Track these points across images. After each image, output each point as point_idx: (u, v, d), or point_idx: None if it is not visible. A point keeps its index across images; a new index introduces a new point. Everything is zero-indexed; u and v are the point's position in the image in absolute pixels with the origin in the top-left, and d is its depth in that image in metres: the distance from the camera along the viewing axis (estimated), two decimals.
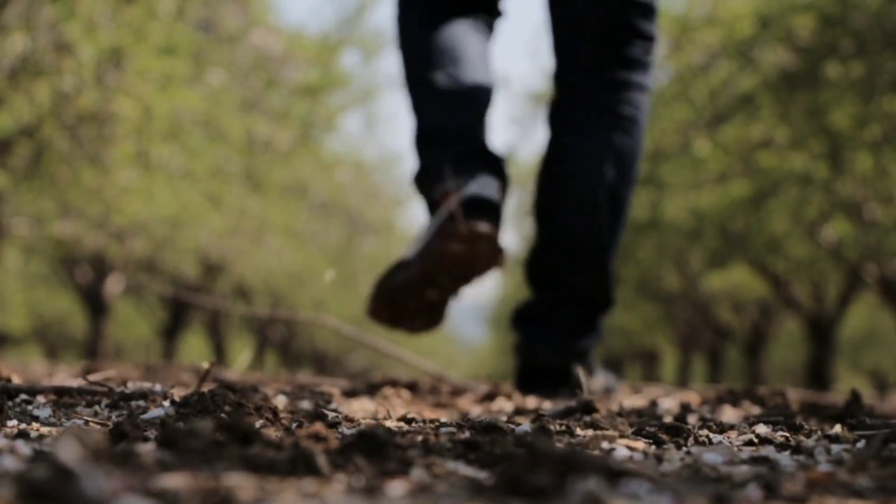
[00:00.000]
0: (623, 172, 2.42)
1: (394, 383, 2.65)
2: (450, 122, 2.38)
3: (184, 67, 6.57)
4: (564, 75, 2.48)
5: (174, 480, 0.87)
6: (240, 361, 3.77)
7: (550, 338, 2.44)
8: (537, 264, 2.50)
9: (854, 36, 6.34)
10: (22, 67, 5.76)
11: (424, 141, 2.42)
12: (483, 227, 2.23)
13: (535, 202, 2.55)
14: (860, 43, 6.36)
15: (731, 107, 7.68)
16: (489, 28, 2.54)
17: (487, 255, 2.26)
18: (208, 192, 9.09)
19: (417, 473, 0.99)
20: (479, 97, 2.39)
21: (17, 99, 5.92)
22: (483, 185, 2.30)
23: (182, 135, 7.07)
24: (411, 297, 2.33)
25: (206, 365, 1.71)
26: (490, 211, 2.28)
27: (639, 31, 2.42)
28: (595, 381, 2.47)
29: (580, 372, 2.26)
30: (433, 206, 2.36)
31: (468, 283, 2.33)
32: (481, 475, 1.01)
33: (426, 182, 2.39)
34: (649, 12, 2.42)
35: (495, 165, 2.37)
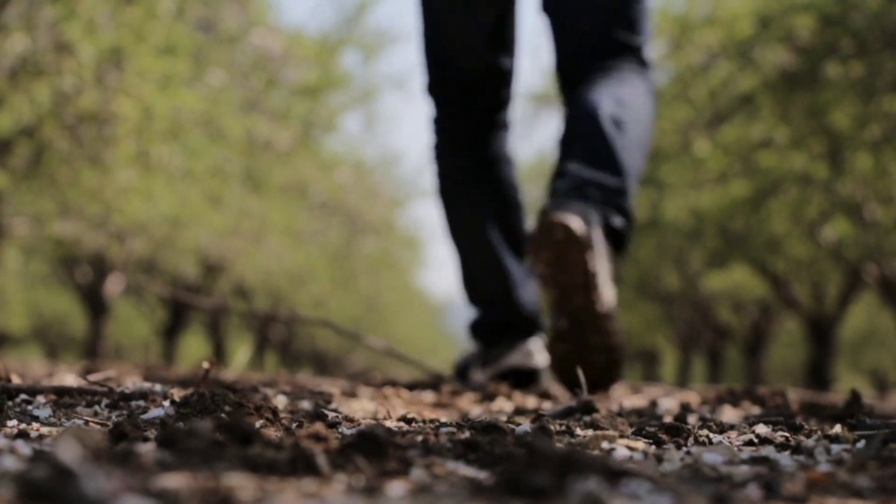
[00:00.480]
0: (625, 107, 2.54)
1: (394, 383, 2.65)
2: (496, 303, 2.91)
3: (184, 67, 6.57)
4: (565, 62, 2.73)
5: (174, 480, 0.87)
6: (238, 359, 3.77)
7: (574, 192, 2.44)
8: (558, 171, 2.58)
9: (854, 36, 6.34)
10: (22, 67, 5.76)
11: (475, 307, 2.97)
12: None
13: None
14: (860, 43, 6.36)
15: (731, 107, 7.68)
16: (506, 140, 2.95)
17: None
18: (208, 192, 9.08)
19: (417, 473, 0.99)
20: (515, 270, 2.87)
21: (17, 99, 5.91)
22: (526, 355, 2.80)
23: (182, 135, 7.07)
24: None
25: (206, 365, 1.70)
26: (531, 377, 2.78)
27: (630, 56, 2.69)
28: (608, 291, 2.40)
29: (594, 230, 2.31)
30: (487, 352, 2.89)
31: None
32: (481, 475, 1.01)
33: (479, 339, 2.95)
34: (641, 53, 2.70)
35: (534, 324, 2.88)
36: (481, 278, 2.96)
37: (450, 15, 2.80)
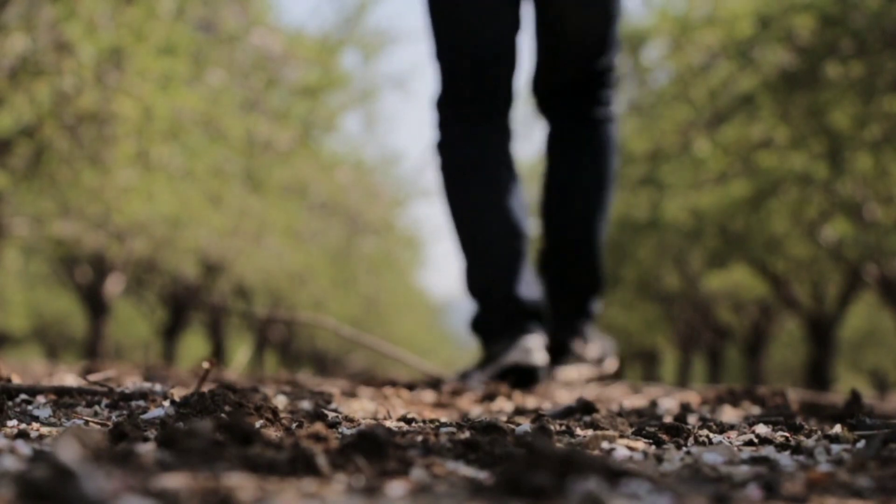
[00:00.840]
0: (604, 185, 3.07)
1: (394, 383, 2.65)
2: (501, 288, 2.91)
3: (184, 67, 6.57)
4: (554, 113, 3.13)
5: (174, 480, 0.87)
6: (238, 359, 3.77)
7: (557, 321, 3.06)
8: (544, 261, 3.14)
9: (854, 36, 6.34)
10: (22, 67, 5.75)
11: (478, 297, 3.00)
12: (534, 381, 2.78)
13: (540, 215, 3.17)
14: (860, 43, 6.35)
15: (731, 107, 7.68)
16: (509, 127, 3.07)
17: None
18: (208, 192, 9.08)
19: (417, 473, 0.99)
20: (522, 254, 2.94)
21: (17, 99, 5.91)
22: (525, 352, 2.79)
23: (182, 135, 7.07)
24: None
25: (206, 365, 1.70)
26: (530, 374, 2.80)
27: (608, 81, 3.06)
28: (590, 349, 3.04)
29: (578, 344, 3.00)
30: (487, 351, 2.93)
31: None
32: (481, 475, 1.01)
33: (480, 335, 2.99)
34: (613, 70, 3.08)
35: (537, 317, 2.92)
36: (485, 265, 2.97)
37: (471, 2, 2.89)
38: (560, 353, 3.03)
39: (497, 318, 2.92)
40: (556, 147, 3.13)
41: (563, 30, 2.96)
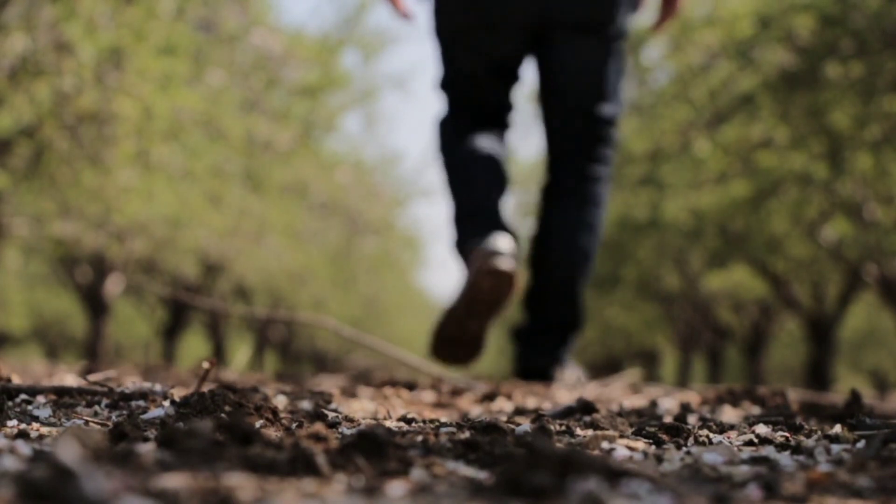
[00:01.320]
0: (591, 235, 3.40)
1: (394, 383, 2.65)
2: (482, 205, 3.22)
3: (184, 67, 6.57)
4: (554, 168, 3.47)
5: (174, 480, 0.87)
6: (238, 360, 3.78)
7: (539, 350, 3.43)
8: (531, 299, 3.47)
9: (854, 36, 6.34)
10: (22, 67, 5.75)
11: (461, 219, 3.25)
12: (504, 265, 3.01)
13: (530, 256, 3.50)
14: (860, 43, 6.35)
15: (731, 107, 7.68)
16: (504, 136, 3.47)
17: (507, 288, 3.04)
18: (208, 192, 9.08)
19: (417, 473, 0.99)
20: (500, 188, 3.27)
21: (17, 99, 5.91)
22: (501, 243, 3.08)
23: (182, 135, 7.07)
24: (456, 326, 3.11)
25: (206, 365, 1.70)
26: (505, 258, 3.06)
27: (606, 140, 3.39)
28: (567, 375, 3.36)
29: (557, 370, 3.34)
30: (467, 262, 3.15)
31: (497, 311, 3.10)
32: (481, 475, 1.01)
33: (463, 245, 3.19)
34: (612, 126, 3.41)
35: (508, 231, 3.21)
36: (467, 193, 3.26)
37: (478, 52, 3.32)
38: (541, 377, 3.37)
39: (480, 225, 3.16)
40: (551, 198, 3.47)
41: (564, 75, 3.32)
